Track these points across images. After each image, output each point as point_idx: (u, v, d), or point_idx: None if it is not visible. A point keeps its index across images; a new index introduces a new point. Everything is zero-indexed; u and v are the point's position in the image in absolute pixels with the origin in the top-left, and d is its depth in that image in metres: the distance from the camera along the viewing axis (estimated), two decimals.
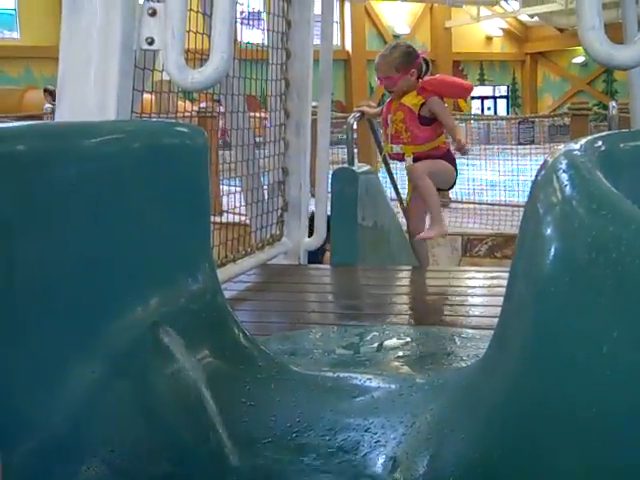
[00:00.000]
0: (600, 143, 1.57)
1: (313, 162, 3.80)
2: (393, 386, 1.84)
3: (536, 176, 1.39)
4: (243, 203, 3.62)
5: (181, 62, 1.98)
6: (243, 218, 3.63)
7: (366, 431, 1.71)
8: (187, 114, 4.06)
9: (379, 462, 1.55)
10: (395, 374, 2.00)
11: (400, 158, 3.83)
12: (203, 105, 5.79)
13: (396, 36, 24.48)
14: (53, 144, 1.56)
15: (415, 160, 3.73)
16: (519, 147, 13.99)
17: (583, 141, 1.53)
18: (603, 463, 0.95)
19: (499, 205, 9.47)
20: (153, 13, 2.00)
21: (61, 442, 1.35)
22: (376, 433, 1.68)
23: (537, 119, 18.42)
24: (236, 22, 3.15)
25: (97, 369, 1.52)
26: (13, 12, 19.23)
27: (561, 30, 25.29)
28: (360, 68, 23.91)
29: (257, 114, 4.00)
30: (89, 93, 2.00)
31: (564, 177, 1.28)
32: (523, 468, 1.16)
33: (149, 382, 1.68)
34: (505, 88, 27.93)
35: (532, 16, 24.18)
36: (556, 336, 1.20)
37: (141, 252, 1.77)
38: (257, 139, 3.70)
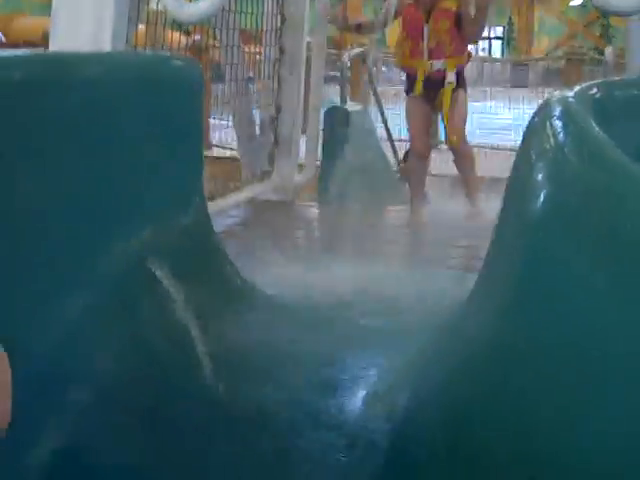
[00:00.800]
0: (594, 91, 1.58)
1: (306, 99, 3.77)
2: (378, 323, 1.88)
3: (530, 121, 1.41)
4: (234, 138, 3.60)
5: None
6: (234, 152, 3.63)
7: (350, 366, 1.76)
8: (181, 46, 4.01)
9: (359, 396, 1.60)
10: (379, 312, 2.04)
11: (440, 75, 3.34)
12: (197, 37, 5.66)
13: None
14: (49, 73, 1.55)
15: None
16: (513, 89, 13.87)
17: (577, 88, 1.54)
18: (583, 410, 0.97)
19: (492, 149, 9.43)
20: None
21: (48, 369, 1.38)
22: (359, 368, 1.73)
23: (531, 62, 18.25)
24: None
25: (88, 297, 1.55)
26: None
27: None
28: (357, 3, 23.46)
29: (251, 48, 3.91)
30: (84, 23, 1.98)
31: (558, 124, 1.30)
32: (504, 407, 1.20)
33: (138, 312, 1.71)
34: (500, 29, 27.55)
35: None
36: (545, 279, 1.22)
37: (134, 184, 1.77)
38: (250, 74, 3.66)
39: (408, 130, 3.58)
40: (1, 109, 1.38)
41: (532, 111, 1.39)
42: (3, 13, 17.20)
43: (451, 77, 3.31)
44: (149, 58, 2.12)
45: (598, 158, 1.15)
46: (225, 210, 3.16)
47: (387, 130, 4.84)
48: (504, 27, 27.27)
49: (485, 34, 27.06)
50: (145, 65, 1.93)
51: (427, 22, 3.24)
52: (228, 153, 3.91)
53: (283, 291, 2.41)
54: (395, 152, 4.86)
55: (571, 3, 26.08)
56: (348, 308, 2.16)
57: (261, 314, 1.95)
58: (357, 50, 4.07)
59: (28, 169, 1.43)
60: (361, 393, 1.61)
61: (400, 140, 4.80)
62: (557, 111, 1.33)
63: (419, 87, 3.35)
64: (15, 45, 12.70)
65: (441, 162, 4.47)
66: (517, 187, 1.41)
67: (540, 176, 1.29)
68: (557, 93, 1.48)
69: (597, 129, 1.22)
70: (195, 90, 2.01)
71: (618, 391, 0.92)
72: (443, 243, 3.13)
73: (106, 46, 1.98)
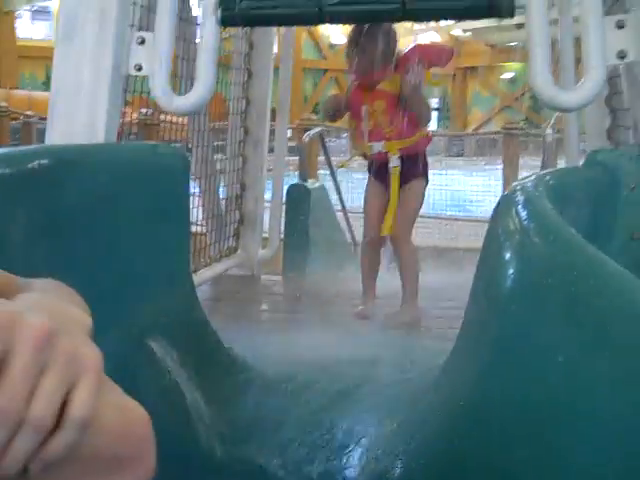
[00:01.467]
0: (548, 178, 1.79)
1: None
2: (365, 386, 2.02)
3: (496, 207, 1.60)
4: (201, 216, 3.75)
5: (167, 88, 2.12)
6: (201, 229, 3.76)
7: (340, 428, 1.89)
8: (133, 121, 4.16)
9: (355, 458, 1.73)
10: (363, 375, 2.18)
11: (382, 158, 3.16)
12: (144, 111, 5.61)
13: (331, 46, 24.75)
14: (57, 166, 1.69)
15: (402, 159, 3.16)
16: (450, 159, 14.39)
17: (533, 177, 1.75)
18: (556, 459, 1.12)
19: (432, 218, 9.75)
20: (142, 42, 2.14)
21: None
22: (349, 430, 1.86)
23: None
24: None
25: None
26: None
27: (492, 46, 26.03)
28: (297, 76, 24.08)
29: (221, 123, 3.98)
30: (79, 115, 2.12)
31: (521, 209, 1.49)
32: (486, 461, 1.34)
33: (138, 387, 1.81)
34: (436, 101, 28.50)
35: (465, 31, 24.82)
36: (515, 347, 1.39)
37: (129, 265, 1.90)
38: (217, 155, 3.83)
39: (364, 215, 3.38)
40: (18, 197, 1.52)
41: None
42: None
43: (394, 161, 3.14)
44: (139, 147, 2.27)
45: (559, 239, 1.33)
46: (196, 285, 3.28)
47: (342, 203, 5.07)
48: (439, 99, 28.26)
49: None
50: (136, 154, 2.08)
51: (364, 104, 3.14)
52: (194, 229, 4.04)
53: (260, 359, 2.53)
54: (348, 223, 5.09)
55: (502, 76, 27.25)
56: (326, 375, 2.30)
57: (251, 384, 2.07)
58: (316, 130, 4.28)
59: (40, 251, 1.56)
60: (356, 454, 1.74)
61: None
62: (520, 197, 1.52)
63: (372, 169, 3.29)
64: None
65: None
66: (487, 264, 1.59)
67: (508, 255, 1.48)
68: (518, 182, 1.69)
69: (555, 213, 1.41)
70: (182, 176, 2.17)
71: (585, 444, 1.08)
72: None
73: (100, 136, 2.12)
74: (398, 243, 3.24)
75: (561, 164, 5.73)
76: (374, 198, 3.25)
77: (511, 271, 1.47)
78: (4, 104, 10.13)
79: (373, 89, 3.13)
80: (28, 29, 20.29)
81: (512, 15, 2.00)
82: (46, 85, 14.56)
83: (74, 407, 0.46)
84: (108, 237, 1.79)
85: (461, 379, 1.66)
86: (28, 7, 19.22)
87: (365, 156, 3.31)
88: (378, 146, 3.15)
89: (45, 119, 2.24)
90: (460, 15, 2.10)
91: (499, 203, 1.60)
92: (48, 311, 0.50)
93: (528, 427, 1.25)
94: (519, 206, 1.51)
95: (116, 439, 0.50)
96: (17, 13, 19.53)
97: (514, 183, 1.68)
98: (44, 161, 1.65)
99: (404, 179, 3.17)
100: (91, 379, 0.47)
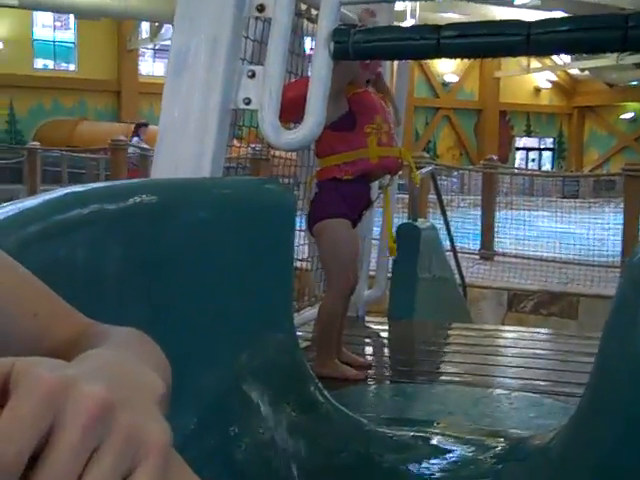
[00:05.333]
0: None
1: None
2: (471, 450, 1.87)
3: (632, 255, 1.43)
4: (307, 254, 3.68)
5: (276, 123, 2.06)
6: (307, 265, 3.69)
7: None
8: (242, 155, 4.16)
9: None
10: (469, 437, 2.02)
11: (394, 166, 2.76)
12: (255, 147, 5.59)
13: (444, 84, 24.66)
14: (160, 200, 1.64)
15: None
16: (564, 200, 13.98)
17: None
18: None
19: (546, 260, 9.42)
20: (252, 75, 2.09)
21: None
22: None
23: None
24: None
25: (189, 420, 1.57)
26: (72, 45, 19.81)
27: (610, 85, 25.29)
28: (409, 114, 24.09)
29: None
30: (186, 148, 2.09)
31: None
32: None
33: (234, 435, 1.73)
34: (551, 140, 27.88)
35: (582, 70, 24.23)
36: None
37: (231, 306, 1.83)
38: None
39: (336, 260, 2.69)
40: (123, 233, 1.46)
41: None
42: (70, 118, 18.15)
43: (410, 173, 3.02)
44: (245, 182, 2.22)
45: None
46: (299, 325, 3.20)
47: (452, 243, 4.92)
48: (554, 138, 27.64)
49: (535, 144, 27.46)
50: (242, 189, 2.02)
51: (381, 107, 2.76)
52: (299, 264, 3.98)
53: (360, 413, 2.41)
54: (458, 264, 4.92)
55: (621, 116, 26.39)
56: (435, 429, 2.16)
57: (351, 438, 1.95)
58: (428, 169, 4.16)
59: (146, 290, 1.50)
60: None
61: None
62: None
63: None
64: (78, 149, 13.36)
65: None
66: (621, 317, 1.42)
67: None
68: None
69: None
70: (288, 215, 2.09)
71: None
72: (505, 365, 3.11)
73: (206, 170, 2.08)
74: (352, 293, 2.83)
75: None
76: (356, 240, 2.79)
77: None
78: (123, 137, 10.49)
79: (369, 92, 2.74)
80: (150, 66, 21.16)
81: None
82: None
83: None
84: (209, 275, 1.73)
85: (585, 448, 1.49)
86: (151, 46, 20.04)
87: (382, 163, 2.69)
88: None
89: None
90: (591, 49, 1.94)
91: (637, 250, 1.44)
92: (112, 376, 0.41)
93: None
94: None
95: None
96: (140, 51, 20.43)
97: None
98: (147, 196, 1.61)
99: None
100: (154, 463, 0.38)
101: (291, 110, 2.12)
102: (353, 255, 2.71)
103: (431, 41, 1.96)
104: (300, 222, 2.95)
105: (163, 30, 17.10)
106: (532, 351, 3.45)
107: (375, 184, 3.00)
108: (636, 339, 1.33)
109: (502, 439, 2.04)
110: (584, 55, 21.50)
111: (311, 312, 3.35)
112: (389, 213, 2.93)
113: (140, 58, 20.68)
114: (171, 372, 0.61)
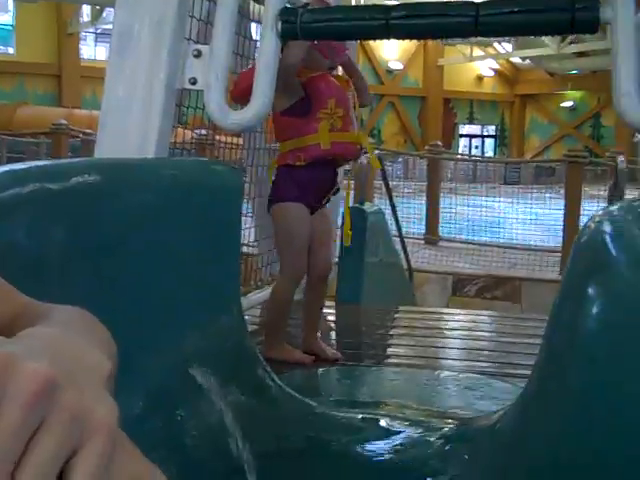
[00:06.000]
0: (636, 206, 1.63)
1: None
2: (419, 432, 1.87)
3: (578, 237, 1.44)
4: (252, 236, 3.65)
5: (223, 103, 2.02)
6: (253, 250, 3.66)
7: (393, 477, 1.74)
8: (187, 140, 4.10)
9: None
10: (417, 419, 2.03)
11: (353, 153, 2.74)
12: (201, 132, 5.54)
13: (389, 71, 24.77)
14: (103, 180, 1.59)
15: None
16: (506, 186, 14.22)
17: (620, 204, 1.59)
18: None
19: (489, 245, 9.57)
20: (198, 54, 2.05)
21: None
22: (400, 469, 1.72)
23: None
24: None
25: (134, 404, 1.54)
26: (10, 28, 19.30)
27: (551, 74, 25.74)
28: None
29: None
30: (131, 129, 2.04)
31: (609, 240, 1.33)
32: None
33: (181, 419, 1.70)
34: (493, 128, 28.28)
35: (524, 59, 24.60)
36: (601, 400, 1.23)
37: (177, 289, 1.79)
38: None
39: (286, 245, 2.70)
40: (67, 212, 1.42)
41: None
42: (9, 102, 17.70)
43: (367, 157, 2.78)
44: (191, 163, 2.18)
45: None
46: (246, 309, 3.18)
47: (398, 227, 4.94)
48: (496, 126, 28.03)
49: (478, 132, 27.80)
50: (187, 170, 1.98)
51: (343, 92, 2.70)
52: (246, 250, 3.95)
53: (308, 393, 2.40)
54: (405, 248, 4.94)
55: (562, 104, 26.89)
56: (384, 411, 2.16)
57: (300, 420, 1.94)
58: (374, 152, 4.14)
59: (81, 269, 1.45)
60: None
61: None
62: (607, 227, 1.37)
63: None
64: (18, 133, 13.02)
65: None
66: (568, 301, 1.43)
67: (593, 291, 1.32)
68: (604, 210, 1.53)
69: None
70: (235, 196, 2.06)
71: None
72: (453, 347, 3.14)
73: (150, 151, 2.03)
74: (324, 278, 2.77)
75: (627, 195, 5.52)
76: (308, 226, 2.68)
77: (597, 310, 1.31)
78: (64, 122, 10.27)
79: (333, 78, 2.69)
80: (91, 51, 20.74)
81: (595, 30, 1.85)
82: None
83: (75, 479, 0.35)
84: (155, 257, 1.69)
85: (533, 431, 1.50)
86: (92, 29, 19.65)
87: (334, 150, 2.63)
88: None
89: None
90: (539, 31, 1.94)
91: (582, 233, 1.45)
92: (56, 354, 0.39)
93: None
94: (606, 236, 1.35)
95: None
96: (82, 35, 20.01)
97: (598, 211, 1.53)
98: (90, 175, 1.56)
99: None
100: (99, 444, 0.36)
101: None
102: (302, 240, 2.66)
103: (380, 21, 1.95)
104: (246, 206, 2.92)
105: (105, 14, 16.77)
106: (478, 333, 3.50)
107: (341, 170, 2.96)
108: (582, 322, 1.35)
109: (449, 420, 2.06)
110: (526, 43, 21.86)
111: (258, 295, 3.33)
112: (348, 201, 2.90)
113: (82, 42, 20.25)
114: (117, 352, 0.58)
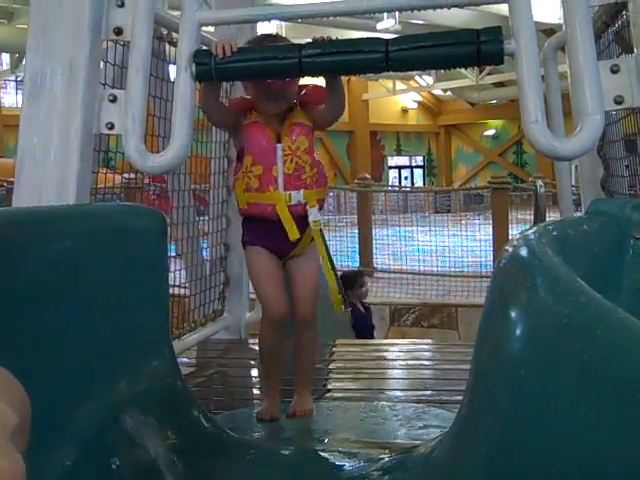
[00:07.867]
0: (551, 229, 1.68)
1: None
2: (358, 465, 1.87)
3: (498, 262, 1.48)
4: (184, 279, 3.62)
5: (141, 147, 2.02)
6: (183, 291, 3.62)
7: None
8: (115, 185, 4.05)
9: None
10: (356, 452, 2.03)
11: (299, 211, 2.41)
12: (127, 176, 5.48)
13: None
14: (20, 230, 1.56)
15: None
16: (437, 215, 14.45)
17: (535, 229, 1.63)
18: None
19: (423, 274, 9.68)
20: (114, 99, 2.05)
21: None
22: None
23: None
24: None
25: (66, 454, 1.50)
26: None
27: (472, 104, 26.44)
28: None
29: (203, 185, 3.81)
30: (48, 176, 2.02)
31: (525, 263, 1.37)
32: None
33: (116, 467, 1.66)
34: (421, 158, 28.80)
35: (445, 90, 25.23)
36: (526, 421, 1.25)
37: (105, 335, 1.77)
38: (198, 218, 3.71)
39: (255, 288, 2.59)
40: None
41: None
42: None
43: (315, 215, 2.42)
44: (114, 208, 2.16)
45: (569, 294, 1.21)
46: (180, 352, 3.14)
47: (331, 261, 4.94)
48: (424, 156, 28.57)
49: (407, 163, 28.23)
50: (111, 215, 1.96)
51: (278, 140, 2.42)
52: (177, 291, 3.90)
53: (246, 433, 2.38)
54: (339, 282, 4.95)
55: (485, 133, 27.60)
56: (323, 447, 2.15)
57: (236, 459, 1.92)
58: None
59: (13, 320, 1.42)
60: None
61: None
62: (523, 250, 1.40)
63: (293, 230, 2.43)
64: None
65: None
66: (490, 325, 1.46)
67: (514, 314, 1.35)
68: (520, 234, 1.58)
69: (563, 266, 1.29)
70: (159, 237, 2.05)
71: None
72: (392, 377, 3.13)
73: (70, 197, 2.01)
74: (305, 324, 2.61)
75: (551, 218, 5.68)
76: (271, 266, 2.50)
77: (518, 332, 1.34)
78: None
79: (285, 120, 2.40)
80: (13, 98, 20.42)
81: (501, 62, 1.92)
82: None
83: None
84: (79, 305, 1.66)
85: (464, 454, 1.51)
86: (12, 77, 19.37)
87: (250, 211, 2.46)
88: (298, 196, 2.40)
89: None
90: (447, 64, 2.00)
91: (501, 257, 1.48)
92: None
93: None
94: (523, 259, 1.39)
95: None
96: (2, 83, 19.70)
97: (515, 235, 1.57)
98: (7, 225, 1.53)
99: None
100: None
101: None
102: (268, 281, 2.51)
103: (293, 60, 1.98)
104: (172, 248, 2.88)
105: (25, 61, 16.56)
106: (416, 362, 3.52)
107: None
108: (504, 343, 1.37)
109: (387, 451, 2.06)
110: (446, 75, 22.45)
111: (192, 337, 3.29)
112: (327, 265, 2.59)
113: (2, 90, 19.93)
114: (30, 406, 0.57)
